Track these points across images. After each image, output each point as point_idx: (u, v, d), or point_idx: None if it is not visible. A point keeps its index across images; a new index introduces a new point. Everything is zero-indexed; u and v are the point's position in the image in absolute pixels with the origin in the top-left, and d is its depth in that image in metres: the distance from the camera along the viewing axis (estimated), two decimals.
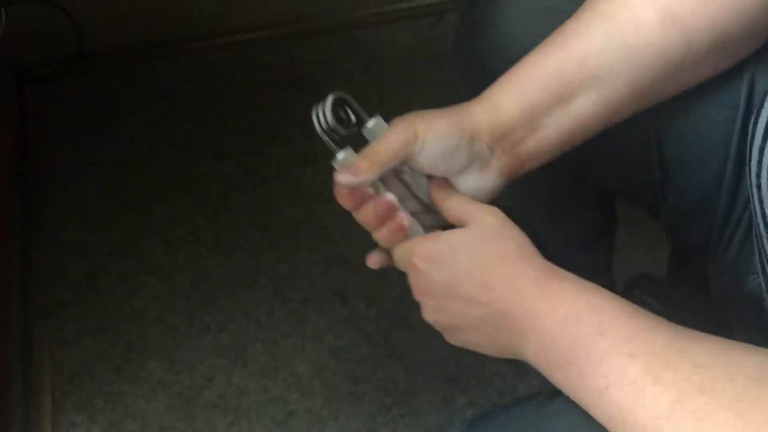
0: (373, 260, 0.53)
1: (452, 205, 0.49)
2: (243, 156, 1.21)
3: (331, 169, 0.50)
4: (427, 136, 0.47)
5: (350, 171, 0.47)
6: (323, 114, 0.49)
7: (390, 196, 0.49)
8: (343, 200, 0.49)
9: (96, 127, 1.24)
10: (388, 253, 0.52)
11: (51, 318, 1.08)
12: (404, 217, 0.49)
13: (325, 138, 0.49)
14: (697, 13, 0.44)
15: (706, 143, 0.55)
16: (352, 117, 0.50)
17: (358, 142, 0.50)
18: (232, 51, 1.29)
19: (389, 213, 0.49)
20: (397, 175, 0.52)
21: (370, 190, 0.49)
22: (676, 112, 0.54)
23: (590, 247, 0.97)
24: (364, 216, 0.49)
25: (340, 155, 0.49)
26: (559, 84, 0.47)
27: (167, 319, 1.08)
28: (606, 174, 0.67)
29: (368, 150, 0.48)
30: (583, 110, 0.48)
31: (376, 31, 1.34)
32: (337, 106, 0.49)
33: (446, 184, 0.50)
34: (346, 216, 0.50)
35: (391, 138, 0.48)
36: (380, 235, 0.49)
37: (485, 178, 0.50)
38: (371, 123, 0.50)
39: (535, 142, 0.49)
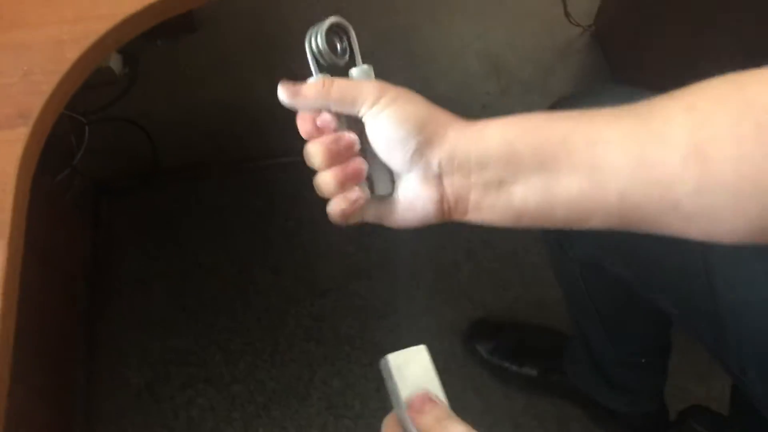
0: (336, 210, 0.46)
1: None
2: (301, 270, 1.26)
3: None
4: (387, 108, 0.44)
5: (292, 88, 0.45)
6: (316, 34, 0.46)
7: (353, 136, 0.45)
8: (302, 122, 0.46)
9: (164, 238, 1.31)
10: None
11: (112, 424, 1.11)
12: (363, 161, 0.45)
13: (310, 57, 0.46)
14: (725, 172, 0.39)
15: (760, 290, 0.55)
16: (347, 52, 0.47)
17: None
18: (295, 170, 1.36)
19: (347, 151, 0.45)
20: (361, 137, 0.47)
21: (336, 123, 0.45)
22: (725, 258, 0.54)
23: (644, 368, 0.98)
24: (318, 147, 0.45)
25: (312, 80, 0.46)
26: (557, 149, 0.42)
27: (223, 430, 1.10)
28: (666, 298, 0.67)
29: (327, 79, 0.45)
30: (564, 191, 0.42)
31: None
32: (337, 35, 0.47)
33: (430, 404, 0.41)
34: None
35: (355, 84, 0.45)
36: (325, 176, 0.45)
37: (419, 196, 0.45)
38: (360, 68, 0.47)
39: (493, 196, 0.44)
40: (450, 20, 1.60)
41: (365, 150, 0.46)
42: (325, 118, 0.45)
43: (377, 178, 0.46)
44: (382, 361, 0.42)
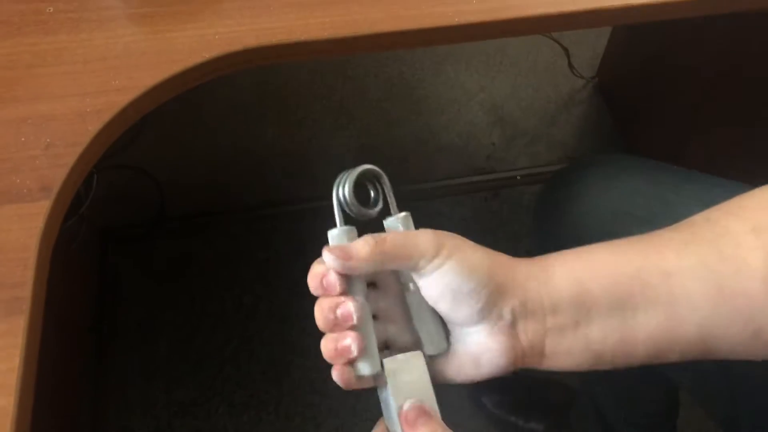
0: (335, 378, 0.42)
1: None
2: (307, 320, 1.26)
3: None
4: (450, 259, 0.39)
5: (342, 251, 0.40)
6: (344, 183, 0.42)
7: (354, 305, 0.40)
8: (311, 277, 0.41)
9: (170, 286, 1.31)
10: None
11: None
12: (356, 339, 0.40)
13: (336, 208, 0.42)
14: None
15: None
16: (380, 202, 0.43)
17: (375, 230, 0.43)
18: (302, 219, 1.38)
19: (344, 322, 0.40)
20: (400, 290, 0.43)
21: (342, 286, 0.40)
22: None
23: (652, 430, 0.98)
24: (317, 310, 0.41)
25: (337, 230, 0.42)
26: (632, 286, 0.40)
27: None
28: (677, 372, 0.67)
29: (376, 236, 0.40)
30: (642, 328, 0.40)
31: (436, 203, 1.42)
32: (368, 182, 0.43)
33: (424, 417, 0.39)
34: None
35: (408, 236, 0.40)
36: (324, 343, 0.41)
37: (488, 348, 0.41)
38: (397, 217, 0.43)
39: (570, 339, 0.41)
40: (455, 71, 1.63)
41: (410, 306, 0.43)
42: (330, 280, 0.40)
43: (426, 337, 0.42)
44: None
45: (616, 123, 1.54)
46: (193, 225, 1.41)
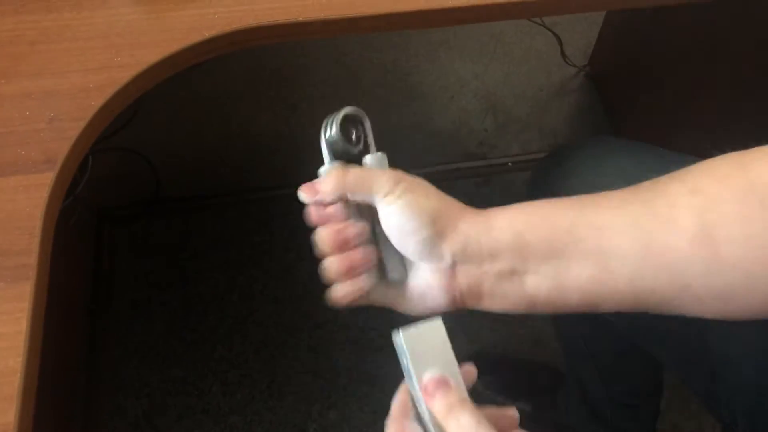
0: (339, 295, 0.46)
1: (451, 425, 0.39)
2: (299, 302, 1.28)
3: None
4: (400, 198, 0.44)
5: (310, 188, 0.46)
6: (331, 123, 0.46)
7: (360, 226, 0.45)
8: (315, 210, 0.46)
9: (164, 267, 1.33)
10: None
11: None
12: (372, 251, 0.46)
13: (324, 146, 0.47)
14: (734, 253, 0.39)
15: (755, 342, 0.56)
16: (362, 140, 0.48)
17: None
18: (296, 202, 1.39)
19: (354, 240, 0.45)
20: (372, 226, 0.48)
21: (345, 213, 0.46)
22: None
23: (637, 409, 1.00)
24: (326, 234, 0.45)
25: (324, 168, 0.47)
26: (565, 238, 0.43)
27: None
28: (660, 350, 0.69)
29: (342, 168, 0.46)
30: (574, 278, 0.43)
31: None
32: (351, 124, 0.47)
33: (443, 388, 0.40)
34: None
35: (370, 173, 0.45)
36: (334, 261, 0.45)
37: (431, 285, 0.46)
38: (374, 156, 0.47)
39: (506, 284, 0.44)
40: (449, 59, 1.64)
41: (379, 236, 0.47)
42: (336, 206, 0.46)
43: (390, 264, 0.47)
44: (395, 335, 0.41)
45: (607, 111, 1.56)
46: (187, 207, 1.42)
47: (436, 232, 0.44)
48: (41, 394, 0.41)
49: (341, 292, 0.46)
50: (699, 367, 0.62)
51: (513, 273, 0.44)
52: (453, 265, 0.45)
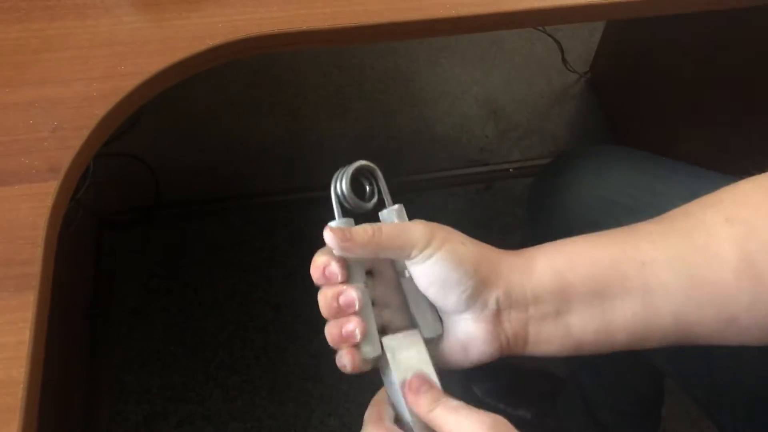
0: (339, 364, 0.44)
1: (437, 415, 0.39)
2: (301, 308, 1.28)
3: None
4: (439, 251, 0.42)
5: (343, 233, 0.42)
6: (341, 178, 0.45)
7: (355, 293, 0.42)
8: (314, 268, 0.44)
9: (165, 273, 1.32)
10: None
11: None
12: (359, 324, 0.42)
13: (334, 201, 0.45)
14: None
15: (757, 349, 0.57)
16: (375, 195, 0.46)
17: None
18: (297, 208, 1.39)
19: (347, 308, 0.42)
20: (396, 277, 0.46)
21: (344, 275, 0.43)
22: None
23: (638, 417, 1.00)
24: (320, 298, 0.43)
25: (336, 222, 0.44)
26: (609, 276, 0.42)
27: None
28: (661, 357, 0.69)
29: (374, 225, 0.43)
30: (620, 317, 0.42)
31: (429, 194, 1.44)
32: (363, 177, 0.46)
33: (426, 385, 0.41)
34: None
35: (403, 227, 0.43)
36: (328, 329, 0.43)
37: (475, 336, 0.44)
38: (391, 209, 0.46)
39: (551, 327, 0.44)
40: (450, 64, 1.64)
41: (404, 293, 0.45)
42: (332, 269, 0.43)
43: (422, 321, 0.45)
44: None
45: (608, 118, 1.56)
46: (188, 213, 1.42)
47: (480, 280, 0.42)
48: (41, 401, 0.42)
49: (340, 361, 0.44)
50: (700, 375, 0.62)
51: (558, 315, 0.43)
52: (497, 313, 0.43)
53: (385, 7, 0.58)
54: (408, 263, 0.43)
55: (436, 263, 0.42)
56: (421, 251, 0.42)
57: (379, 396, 0.44)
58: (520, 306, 0.43)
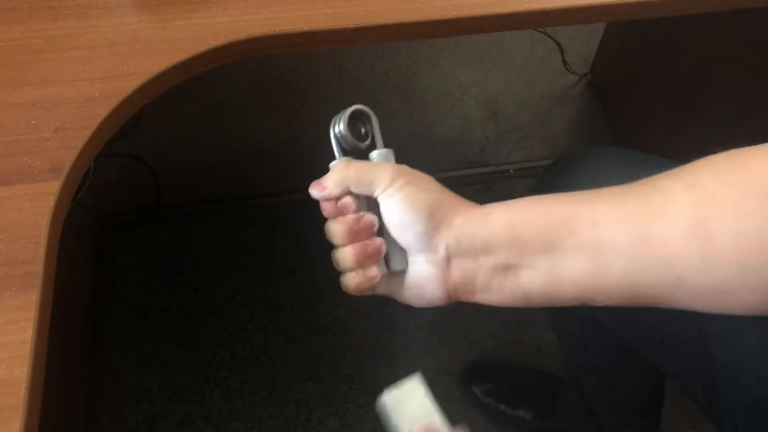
0: (352, 284, 0.48)
1: None
2: (300, 308, 1.28)
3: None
4: (399, 191, 0.46)
5: (317, 184, 0.48)
6: (339, 120, 0.49)
7: (372, 217, 0.47)
8: (325, 204, 0.49)
9: (165, 274, 1.33)
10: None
11: None
12: (383, 241, 0.48)
13: (333, 142, 0.49)
14: (729, 247, 0.39)
15: (756, 349, 0.55)
16: (370, 136, 0.50)
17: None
18: (297, 208, 1.39)
19: (366, 231, 0.47)
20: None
21: (356, 205, 0.48)
22: (720, 321, 0.54)
23: (638, 418, 1.00)
24: (339, 225, 0.47)
25: (336, 161, 0.49)
26: (560, 232, 0.43)
27: None
28: (661, 358, 0.70)
29: (342, 165, 0.48)
30: (568, 272, 0.43)
31: None
32: (359, 121, 0.50)
33: None
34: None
35: (372, 166, 0.48)
36: (348, 251, 0.47)
37: (427, 277, 0.47)
38: (380, 151, 0.50)
39: (500, 277, 0.45)
40: (450, 66, 1.64)
41: (382, 228, 0.48)
42: (346, 200, 0.47)
43: (392, 255, 0.48)
44: (379, 401, 0.44)
45: (608, 119, 1.56)
46: (188, 213, 1.42)
47: (432, 225, 0.45)
48: (42, 401, 0.42)
49: (354, 281, 0.48)
50: (699, 376, 0.62)
51: (507, 267, 0.45)
52: (447, 258, 0.46)
53: (387, 8, 0.58)
54: (378, 200, 0.47)
55: (394, 203, 0.46)
56: (384, 190, 0.46)
57: None
58: (469, 254, 0.45)
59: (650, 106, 1.40)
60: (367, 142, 0.50)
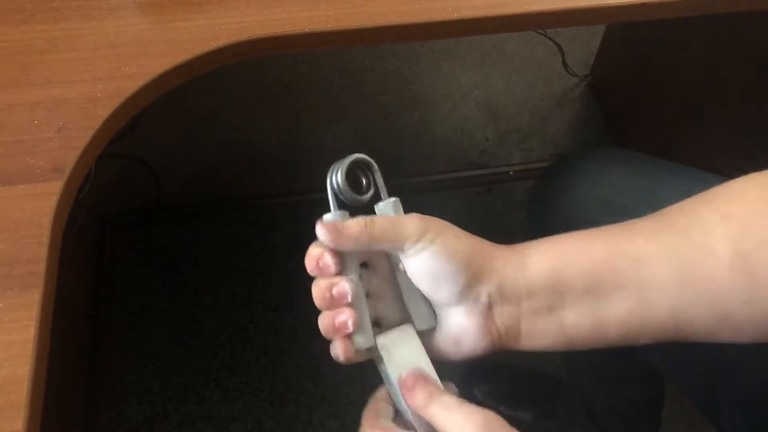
0: (333, 354, 0.44)
1: (432, 414, 0.40)
2: (301, 309, 1.28)
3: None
4: (432, 244, 0.42)
5: (334, 227, 0.43)
6: (337, 171, 0.44)
7: (348, 285, 0.43)
8: (308, 261, 0.44)
9: (166, 274, 1.33)
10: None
11: None
12: (351, 315, 0.42)
13: (330, 194, 0.44)
14: None
15: (756, 351, 0.55)
16: (372, 188, 0.46)
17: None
18: (297, 209, 1.39)
19: (339, 300, 0.43)
20: (391, 269, 0.46)
21: (337, 267, 0.43)
22: None
23: (637, 418, 1.00)
24: (314, 289, 0.44)
25: (330, 215, 0.44)
26: (603, 272, 0.42)
27: None
28: (660, 359, 0.70)
29: (367, 218, 0.43)
30: (613, 313, 0.42)
31: (430, 197, 1.44)
32: (360, 170, 0.46)
33: (421, 380, 0.42)
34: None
35: (396, 220, 0.43)
36: (321, 320, 0.44)
37: (468, 329, 0.44)
38: (387, 202, 0.45)
39: (544, 322, 0.43)
40: (451, 67, 1.65)
41: (401, 285, 0.45)
42: (326, 261, 0.43)
43: (415, 313, 0.45)
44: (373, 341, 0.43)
45: (608, 121, 1.57)
46: (189, 214, 1.42)
47: (472, 274, 0.42)
48: (43, 400, 0.42)
49: (334, 350, 0.44)
50: (699, 377, 0.63)
51: (551, 310, 0.43)
52: (489, 307, 0.43)
53: (388, 10, 0.59)
54: (401, 256, 0.43)
55: (429, 256, 0.42)
56: (414, 244, 0.42)
57: (378, 394, 0.44)
58: (512, 300, 0.43)
59: (650, 108, 1.40)
60: (368, 194, 0.45)
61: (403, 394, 0.41)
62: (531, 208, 0.76)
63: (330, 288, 0.43)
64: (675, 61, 1.29)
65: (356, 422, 1.22)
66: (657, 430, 1.03)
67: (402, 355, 0.43)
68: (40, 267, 0.45)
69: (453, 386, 0.44)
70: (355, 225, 0.43)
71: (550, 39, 1.62)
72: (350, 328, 0.42)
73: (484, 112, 1.58)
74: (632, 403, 0.98)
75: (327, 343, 0.44)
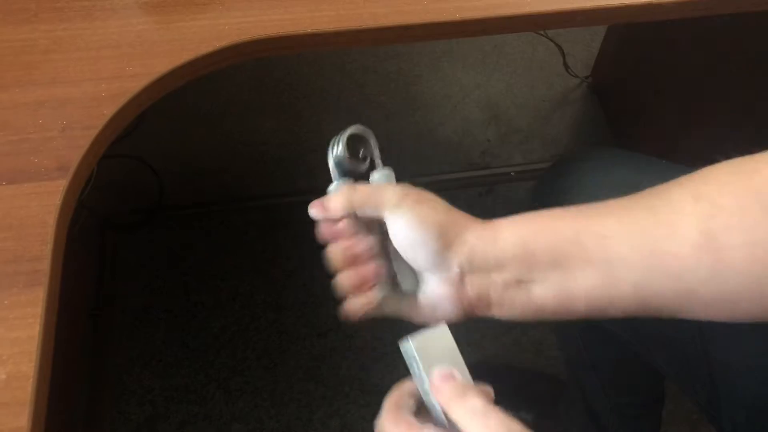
0: (352, 309, 0.48)
1: (458, 417, 0.41)
2: (302, 309, 1.28)
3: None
4: (408, 212, 0.45)
5: (320, 205, 0.48)
6: (337, 143, 0.48)
7: (370, 241, 0.47)
8: (325, 227, 0.48)
9: (167, 275, 1.33)
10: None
11: None
12: (378, 267, 0.47)
13: (331, 164, 0.49)
14: (738, 259, 0.40)
15: (756, 351, 0.56)
16: (369, 158, 0.49)
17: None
18: (300, 210, 1.39)
19: (362, 255, 0.47)
20: (382, 240, 0.49)
21: (352, 229, 0.47)
22: (719, 322, 0.56)
23: (638, 418, 1.00)
24: (336, 251, 0.47)
25: (333, 185, 0.49)
26: (570, 248, 0.44)
27: None
28: (661, 359, 0.70)
29: (351, 186, 0.48)
30: (580, 286, 0.44)
31: None
32: (358, 142, 0.49)
33: (451, 379, 0.43)
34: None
35: (377, 188, 0.47)
36: (346, 276, 0.47)
37: (441, 295, 0.47)
38: (381, 172, 0.49)
39: (513, 293, 0.46)
40: (452, 68, 1.65)
41: (390, 249, 0.48)
42: (343, 223, 0.47)
43: (402, 276, 0.48)
44: (404, 343, 0.44)
45: (609, 122, 1.57)
46: (190, 215, 1.42)
47: (443, 244, 0.45)
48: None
49: (354, 305, 0.47)
50: (700, 377, 0.63)
51: (519, 282, 0.45)
52: (461, 276, 0.46)
53: (390, 10, 0.59)
54: (386, 222, 0.46)
55: (404, 223, 0.45)
56: (392, 212, 0.46)
57: (404, 386, 0.45)
58: (482, 271, 0.46)
59: (651, 108, 1.41)
60: (367, 163, 0.49)
61: (432, 393, 0.42)
62: (532, 208, 0.76)
63: (353, 246, 0.47)
64: (675, 62, 1.29)
65: (357, 423, 1.22)
66: (658, 430, 1.03)
67: (436, 353, 0.44)
68: (45, 265, 0.45)
69: (488, 389, 0.44)
70: (338, 196, 0.47)
71: (551, 40, 1.63)
72: (378, 277, 0.47)
73: (485, 113, 1.58)
74: (633, 403, 0.98)
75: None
